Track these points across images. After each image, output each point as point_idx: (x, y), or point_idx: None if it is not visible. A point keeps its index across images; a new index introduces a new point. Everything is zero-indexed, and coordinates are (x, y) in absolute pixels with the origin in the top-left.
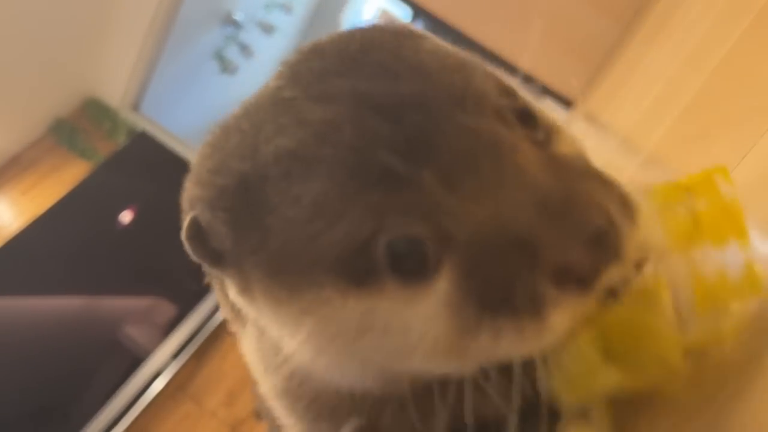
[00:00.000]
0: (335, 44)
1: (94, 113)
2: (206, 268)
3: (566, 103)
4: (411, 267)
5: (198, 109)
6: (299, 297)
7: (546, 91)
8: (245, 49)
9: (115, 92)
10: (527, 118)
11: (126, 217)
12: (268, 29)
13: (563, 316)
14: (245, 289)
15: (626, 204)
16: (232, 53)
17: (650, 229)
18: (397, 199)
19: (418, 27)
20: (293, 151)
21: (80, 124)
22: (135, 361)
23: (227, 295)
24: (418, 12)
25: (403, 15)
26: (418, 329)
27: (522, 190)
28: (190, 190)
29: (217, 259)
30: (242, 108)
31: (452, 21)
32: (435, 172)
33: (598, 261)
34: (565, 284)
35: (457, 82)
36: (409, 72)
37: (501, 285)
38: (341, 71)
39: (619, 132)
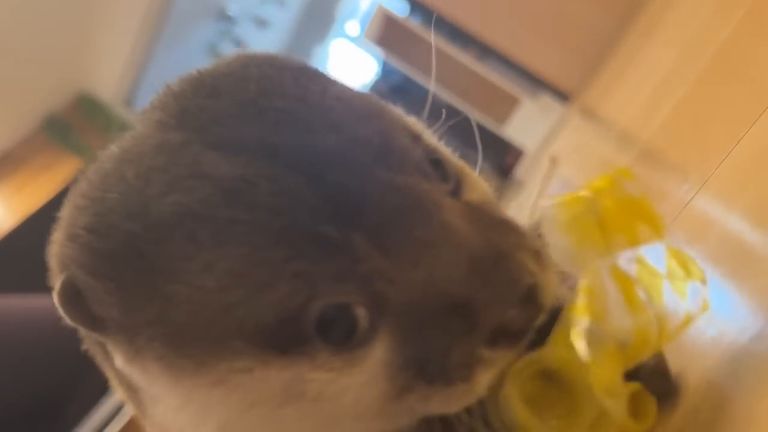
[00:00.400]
0: (230, 82)
1: (87, 109)
2: (83, 331)
3: (563, 97)
4: (343, 335)
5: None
6: (209, 369)
7: (542, 85)
8: (239, 44)
9: (108, 88)
10: (437, 166)
11: None
12: (262, 24)
13: (490, 373)
14: (135, 359)
15: (538, 252)
16: (226, 48)
17: (561, 256)
18: (328, 266)
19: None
20: (197, 211)
21: (73, 120)
22: None
23: (112, 365)
24: (415, 6)
25: (400, 9)
26: (351, 396)
27: (454, 250)
28: (61, 247)
29: (100, 325)
30: (120, 149)
31: (449, 14)
32: (365, 235)
33: (529, 317)
34: (498, 343)
35: (373, 135)
36: (320, 123)
37: (438, 351)
38: (242, 117)
39: (616, 125)
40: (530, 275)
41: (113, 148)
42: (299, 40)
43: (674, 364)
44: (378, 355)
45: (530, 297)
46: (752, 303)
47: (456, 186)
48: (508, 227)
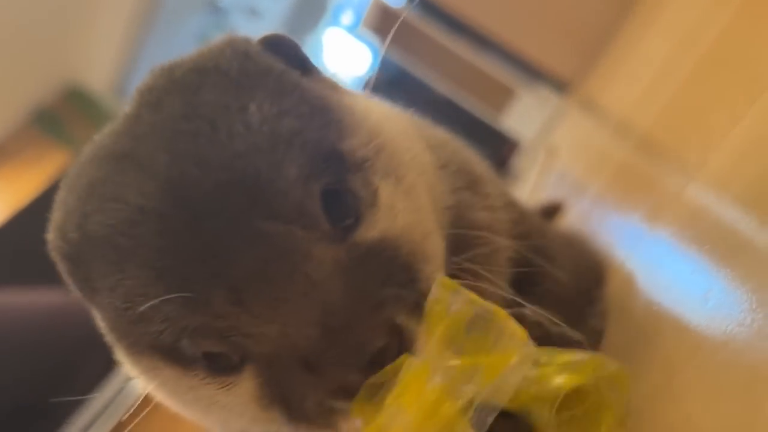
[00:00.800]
0: (171, 94)
1: (77, 101)
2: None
3: (560, 87)
4: (219, 364)
5: None
6: (139, 361)
7: (540, 76)
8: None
9: (98, 80)
10: (335, 199)
11: None
12: (253, 14)
13: (350, 422)
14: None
15: (415, 304)
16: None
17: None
18: (193, 318)
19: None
20: (109, 236)
21: (63, 112)
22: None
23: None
24: None
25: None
26: (234, 410)
27: (309, 308)
28: (54, 230)
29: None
30: (97, 145)
31: (446, 4)
32: (227, 292)
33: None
34: (340, 397)
35: (262, 172)
36: (217, 157)
37: (294, 396)
38: (164, 136)
39: (615, 115)
40: (381, 339)
41: (96, 138)
42: (292, 30)
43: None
44: (247, 387)
45: (376, 361)
46: (743, 288)
47: (355, 221)
48: (389, 275)
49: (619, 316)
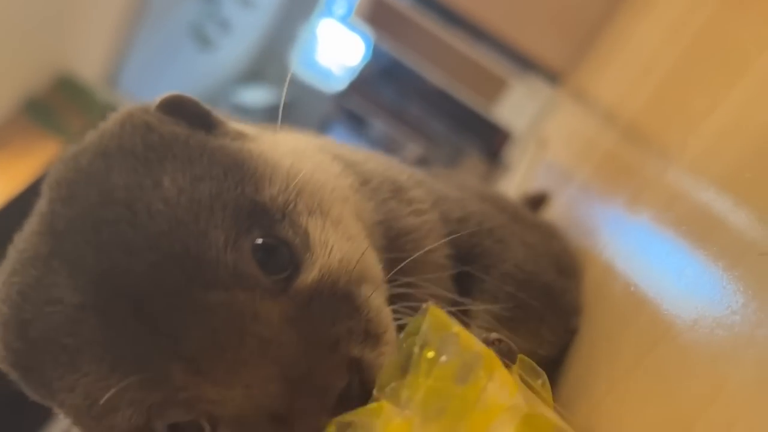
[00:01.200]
0: (81, 187)
1: (69, 90)
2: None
3: (552, 78)
4: None
5: (177, 84)
6: None
7: (531, 67)
8: (224, 25)
9: (90, 69)
10: (270, 249)
11: None
12: (246, 3)
13: None
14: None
15: (372, 333)
16: (211, 29)
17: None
18: (156, 395)
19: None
20: (54, 339)
21: (55, 102)
22: None
23: None
24: None
25: None
26: None
27: (267, 365)
28: None
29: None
30: (20, 248)
31: None
32: (183, 363)
33: (345, 411)
34: None
35: (190, 245)
36: (144, 239)
37: None
38: (84, 231)
39: (604, 104)
40: (343, 378)
41: (17, 241)
42: (285, 20)
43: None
44: None
45: (344, 398)
46: (716, 267)
47: (292, 269)
48: (336, 310)
49: (598, 301)
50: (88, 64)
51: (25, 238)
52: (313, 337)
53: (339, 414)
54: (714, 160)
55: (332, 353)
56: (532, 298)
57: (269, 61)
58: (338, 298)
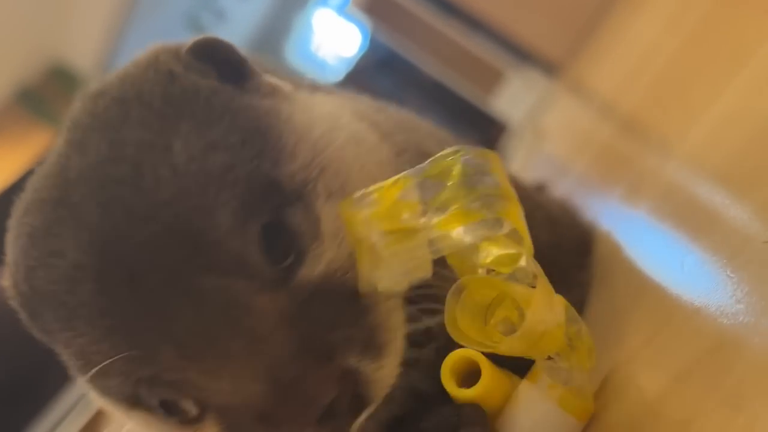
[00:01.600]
0: (94, 135)
1: (62, 79)
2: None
3: (549, 70)
4: (180, 416)
5: None
6: (107, 403)
7: (529, 58)
8: (220, 14)
9: (83, 58)
10: (276, 238)
11: None
12: None
13: None
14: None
15: (375, 342)
16: (207, 19)
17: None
18: (145, 371)
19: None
20: (54, 293)
21: (47, 91)
22: None
23: None
24: None
25: None
26: None
27: (255, 364)
28: (8, 279)
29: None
30: (36, 185)
31: None
32: (173, 347)
33: (333, 426)
34: None
35: (193, 222)
36: (146, 206)
37: None
38: (91, 185)
39: (602, 95)
40: (331, 390)
41: (36, 171)
42: (281, 10)
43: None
44: None
45: (330, 414)
46: (717, 257)
47: (297, 258)
48: (338, 313)
49: (602, 286)
50: (81, 53)
51: (42, 174)
52: (308, 342)
53: (325, 426)
54: (714, 150)
55: (326, 361)
56: (554, 269)
57: (265, 51)
58: (343, 297)
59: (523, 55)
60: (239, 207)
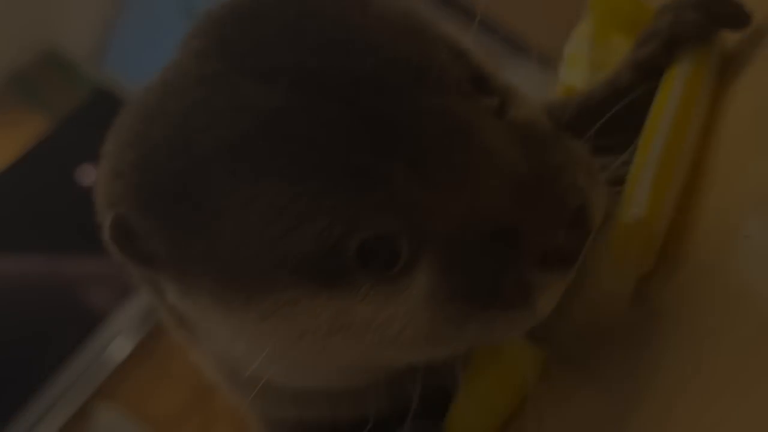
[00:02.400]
0: (269, 6)
1: (55, 66)
2: (133, 267)
3: (545, 60)
4: (385, 265)
5: (166, 62)
6: (257, 303)
7: (525, 51)
8: (215, 2)
9: (77, 45)
10: (481, 83)
11: (87, 175)
12: None
13: (550, 298)
14: (188, 294)
15: (589, 168)
16: (201, 5)
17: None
18: (368, 197)
19: None
20: (237, 145)
21: (40, 77)
22: (94, 323)
23: (165, 298)
24: None
25: None
26: (396, 326)
27: (496, 175)
28: (108, 185)
29: (151, 262)
30: (162, 81)
31: None
32: (404, 164)
33: (579, 239)
34: (550, 267)
35: (413, 55)
36: (359, 44)
37: (486, 278)
38: (281, 41)
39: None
40: (578, 196)
41: (155, 81)
42: None
43: None
44: (421, 283)
45: (578, 219)
46: None
47: (501, 104)
48: (557, 144)
49: None
50: (74, 40)
51: (181, 61)
52: (540, 157)
53: (574, 237)
54: None
55: (563, 173)
56: None
57: None
58: (558, 139)
59: (517, 46)
60: (448, 51)
